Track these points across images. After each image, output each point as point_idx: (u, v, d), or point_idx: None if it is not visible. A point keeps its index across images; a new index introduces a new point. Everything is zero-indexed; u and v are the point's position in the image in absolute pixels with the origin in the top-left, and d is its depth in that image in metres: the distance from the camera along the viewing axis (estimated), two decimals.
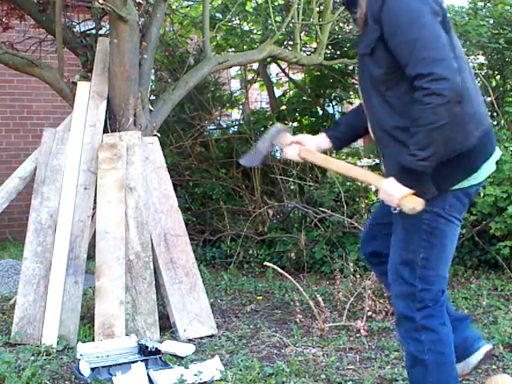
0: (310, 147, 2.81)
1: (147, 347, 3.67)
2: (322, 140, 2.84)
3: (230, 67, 5.81)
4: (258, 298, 5.28)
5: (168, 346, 3.90)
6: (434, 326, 2.55)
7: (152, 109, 4.67)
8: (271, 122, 6.49)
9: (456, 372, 2.61)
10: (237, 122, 7.73)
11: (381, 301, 4.50)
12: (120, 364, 3.54)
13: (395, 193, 2.45)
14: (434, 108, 2.32)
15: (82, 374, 3.45)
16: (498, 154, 2.66)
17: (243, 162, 3.01)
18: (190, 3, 7.59)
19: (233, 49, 7.35)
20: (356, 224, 5.63)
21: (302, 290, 4.48)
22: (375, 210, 3.16)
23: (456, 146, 2.46)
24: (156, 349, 3.64)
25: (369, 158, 7.14)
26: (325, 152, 2.86)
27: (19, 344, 4.02)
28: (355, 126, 2.84)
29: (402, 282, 2.58)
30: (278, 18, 6.79)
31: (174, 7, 7.06)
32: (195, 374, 3.44)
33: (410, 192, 2.45)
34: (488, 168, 2.60)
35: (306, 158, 2.84)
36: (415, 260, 2.55)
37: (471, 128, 2.48)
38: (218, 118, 7.45)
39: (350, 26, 6.84)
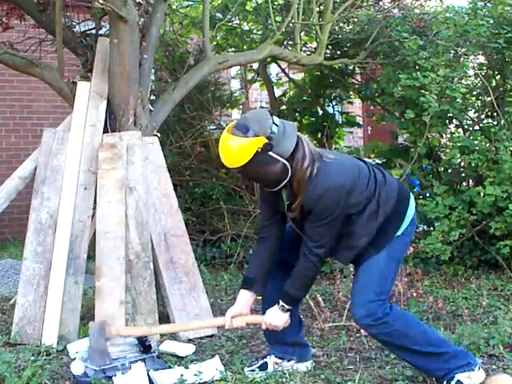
0: (245, 311, 3.42)
1: (145, 341, 3.62)
2: (249, 299, 3.42)
3: (230, 67, 5.81)
4: (258, 297, 5.27)
5: (168, 346, 3.90)
6: (388, 311, 3.23)
7: (152, 109, 4.67)
8: None
9: (420, 322, 3.45)
10: None
11: None
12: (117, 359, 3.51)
13: (280, 322, 3.31)
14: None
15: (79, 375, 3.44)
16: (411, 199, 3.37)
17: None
18: (190, 3, 7.59)
19: (233, 49, 7.34)
20: None
21: None
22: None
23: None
24: (149, 345, 3.60)
25: (369, 157, 7.14)
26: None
27: (19, 344, 4.02)
28: (267, 268, 3.41)
29: (372, 314, 3.18)
30: (278, 18, 6.79)
31: (174, 7, 7.06)
32: (195, 374, 3.44)
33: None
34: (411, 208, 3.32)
35: (249, 323, 3.54)
36: (387, 288, 3.28)
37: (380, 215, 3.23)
38: (218, 117, 7.44)
39: (350, 26, 6.84)
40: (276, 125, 3.06)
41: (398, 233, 3.25)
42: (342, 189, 3.09)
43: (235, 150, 3.03)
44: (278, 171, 3.09)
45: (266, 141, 3.02)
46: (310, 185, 3.08)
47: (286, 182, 3.12)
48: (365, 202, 3.17)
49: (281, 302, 3.29)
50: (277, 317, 3.31)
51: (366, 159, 3.48)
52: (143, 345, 3.56)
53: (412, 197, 3.36)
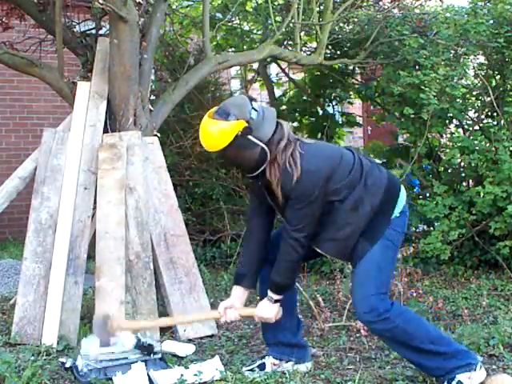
0: (238, 305, 3.42)
1: (149, 345, 3.63)
2: (242, 294, 3.43)
3: (230, 67, 5.81)
4: (258, 297, 5.27)
5: (168, 346, 3.90)
6: (390, 307, 3.24)
7: (152, 109, 4.68)
8: None
9: (422, 319, 3.40)
10: None
11: None
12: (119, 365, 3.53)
13: (271, 314, 3.33)
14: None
15: (78, 372, 3.45)
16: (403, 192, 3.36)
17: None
18: (190, 3, 7.59)
19: (233, 49, 7.34)
20: None
21: (302, 289, 4.48)
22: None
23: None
24: (150, 345, 3.61)
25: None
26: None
27: (19, 344, 4.02)
28: (257, 264, 3.45)
29: (374, 309, 3.19)
30: (278, 18, 6.78)
31: (174, 7, 7.06)
32: (195, 374, 3.44)
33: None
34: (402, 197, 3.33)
35: (242, 315, 3.48)
36: (386, 280, 3.30)
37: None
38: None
39: (350, 26, 6.84)
40: (255, 110, 3.15)
41: (391, 225, 3.25)
42: (318, 172, 3.13)
43: (215, 134, 3.12)
44: (257, 155, 3.17)
45: (246, 125, 3.10)
46: (286, 168, 3.13)
47: (264, 166, 3.18)
48: (346, 189, 3.19)
49: (269, 293, 3.33)
50: (267, 309, 3.34)
51: (353, 148, 3.47)
52: (142, 347, 3.56)
53: (403, 189, 3.36)
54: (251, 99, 3.21)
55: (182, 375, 3.40)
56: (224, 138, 3.11)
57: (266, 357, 3.57)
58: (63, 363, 3.60)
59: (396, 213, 3.27)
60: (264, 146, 3.16)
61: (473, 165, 5.47)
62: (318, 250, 3.31)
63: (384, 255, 3.24)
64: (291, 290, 3.48)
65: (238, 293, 3.44)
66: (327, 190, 3.16)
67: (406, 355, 3.33)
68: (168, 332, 4.25)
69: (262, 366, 3.54)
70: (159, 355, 3.61)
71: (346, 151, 3.34)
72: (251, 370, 3.53)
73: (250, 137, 3.13)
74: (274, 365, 3.53)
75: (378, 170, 3.32)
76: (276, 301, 3.32)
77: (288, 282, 3.35)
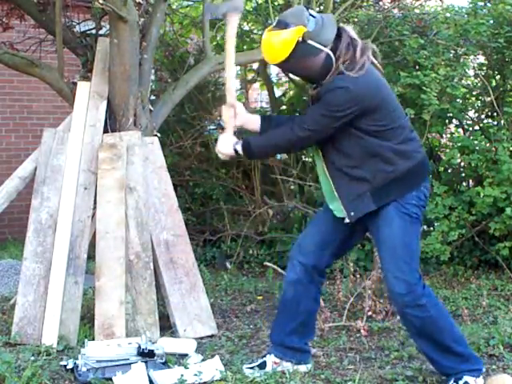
0: (242, 111, 3.40)
1: (149, 351, 3.62)
2: (256, 119, 3.41)
3: None
4: (258, 297, 5.28)
5: (168, 345, 3.89)
6: (427, 292, 3.19)
7: (152, 109, 4.67)
8: None
9: (449, 315, 3.37)
10: None
11: (381, 301, 4.50)
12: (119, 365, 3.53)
13: (223, 149, 3.34)
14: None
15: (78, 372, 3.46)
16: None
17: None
18: (190, 3, 7.58)
19: None
20: None
21: None
22: (315, 224, 3.55)
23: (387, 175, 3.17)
24: (151, 351, 3.60)
25: None
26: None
27: (19, 344, 4.02)
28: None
29: (412, 291, 3.13)
30: None
31: (174, 7, 7.06)
32: (195, 374, 3.44)
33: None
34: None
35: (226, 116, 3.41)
36: (416, 255, 3.21)
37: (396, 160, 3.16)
38: (218, 117, 7.43)
39: (350, 26, 6.83)
40: (313, 16, 3.13)
41: (404, 199, 3.16)
42: (362, 97, 3.07)
43: (277, 44, 3.12)
44: (322, 61, 3.14)
45: (305, 29, 3.08)
46: (336, 77, 3.11)
47: (332, 73, 3.13)
48: (382, 129, 3.12)
49: (238, 142, 3.32)
50: (226, 143, 3.35)
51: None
52: (143, 353, 3.56)
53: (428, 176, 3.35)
54: (307, 8, 3.19)
55: (182, 375, 3.40)
56: (286, 47, 3.10)
57: (267, 355, 3.57)
58: (65, 366, 3.59)
59: (412, 192, 3.19)
60: (328, 50, 3.13)
61: (473, 165, 5.47)
62: (329, 179, 3.25)
63: (405, 229, 3.16)
64: (314, 300, 3.49)
65: (255, 117, 3.45)
66: (362, 122, 3.10)
67: (423, 348, 3.29)
68: (168, 332, 4.25)
69: (262, 365, 3.53)
70: (163, 360, 3.61)
71: (403, 113, 3.30)
72: (251, 367, 3.52)
73: (310, 42, 3.10)
74: (275, 363, 3.53)
75: (419, 145, 3.29)
76: (236, 151, 3.31)
77: (259, 151, 3.35)
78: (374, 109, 3.12)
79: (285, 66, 3.23)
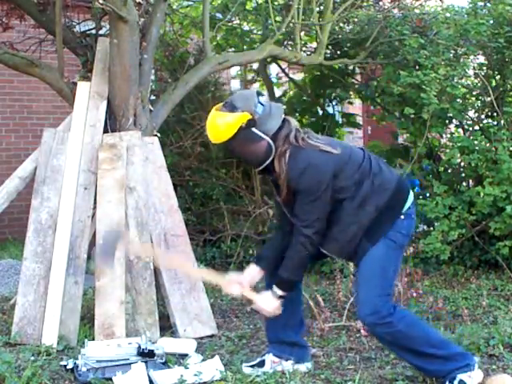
0: (246, 283, 3.42)
1: (149, 351, 3.62)
2: (255, 273, 3.45)
3: (230, 67, 5.81)
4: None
5: (168, 345, 3.89)
6: (396, 311, 3.25)
7: (152, 109, 4.67)
8: None
9: (423, 322, 3.55)
10: None
11: None
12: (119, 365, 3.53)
13: (269, 308, 3.34)
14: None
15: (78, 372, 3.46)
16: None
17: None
18: (190, 3, 7.58)
19: (233, 49, 7.34)
20: None
21: (302, 289, 4.47)
22: None
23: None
24: (151, 351, 3.60)
25: None
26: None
27: (19, 344, 4.02)
28: (278, 253, 3.40)
29: (377, 312, 3.18)
30: (278, 18, 6.78)
31: (174, 7, 7.05)
32: (195, 374, 3.44)
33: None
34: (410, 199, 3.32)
35: (245, 295, 3.48)
36: (390, 281, 3.29)
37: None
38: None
39: (350, 26, 6.84)
40: (262, 104, 3.19)
41: (394, 226, 3.24)
42: (325, 166, 3.14)
43: (220, 126, 3.19)
44: (262, 149, 3.21)
45: (250, 117, 3.14)
46: (292, 160, 3.16)
47: (270, 160, 3.21)
48: (355, 187, 3.19)
49: (274, 287, 3.33)
50: (269, 301, 3.35)
51: (365, 149, 3.48)
52: (143, 354, 3.56)
53: (411, 194, 3.35)
54: (259, 94, 3.25)
55: (181, 375, 3.40)
56: (228, 130, 3.16)
57: (266, 354, 3.58)
58: (65, 366, 3.59)
59: (403, 213, 3.26)
60: (269, 139, 3.18)
61: (473, 165, 5.46)
62: (322, 250, 3.31)
63: (387, 255, 3.23)
64: (296, 288, 3.49)
65: (252, 270, 3.47)
66: (334, 187, 3.16)
67: (405, 357, 3.35)
68: (168, 332, 4.25)
69: (261, 363, 3.54)
70: (163, 360, 3.61)
71: (357, 150, 3.35)
72: (250, 366, 3.53)
73: (253, 129, 3.16)
74: (274, 362, 3.54)
75: (389, 173, 3.32)
76: (280, 297, 3.32)
77: (294, 279, 3.36)
78: (338, 172, 3.17)
79: (227, 146, 3.27)
